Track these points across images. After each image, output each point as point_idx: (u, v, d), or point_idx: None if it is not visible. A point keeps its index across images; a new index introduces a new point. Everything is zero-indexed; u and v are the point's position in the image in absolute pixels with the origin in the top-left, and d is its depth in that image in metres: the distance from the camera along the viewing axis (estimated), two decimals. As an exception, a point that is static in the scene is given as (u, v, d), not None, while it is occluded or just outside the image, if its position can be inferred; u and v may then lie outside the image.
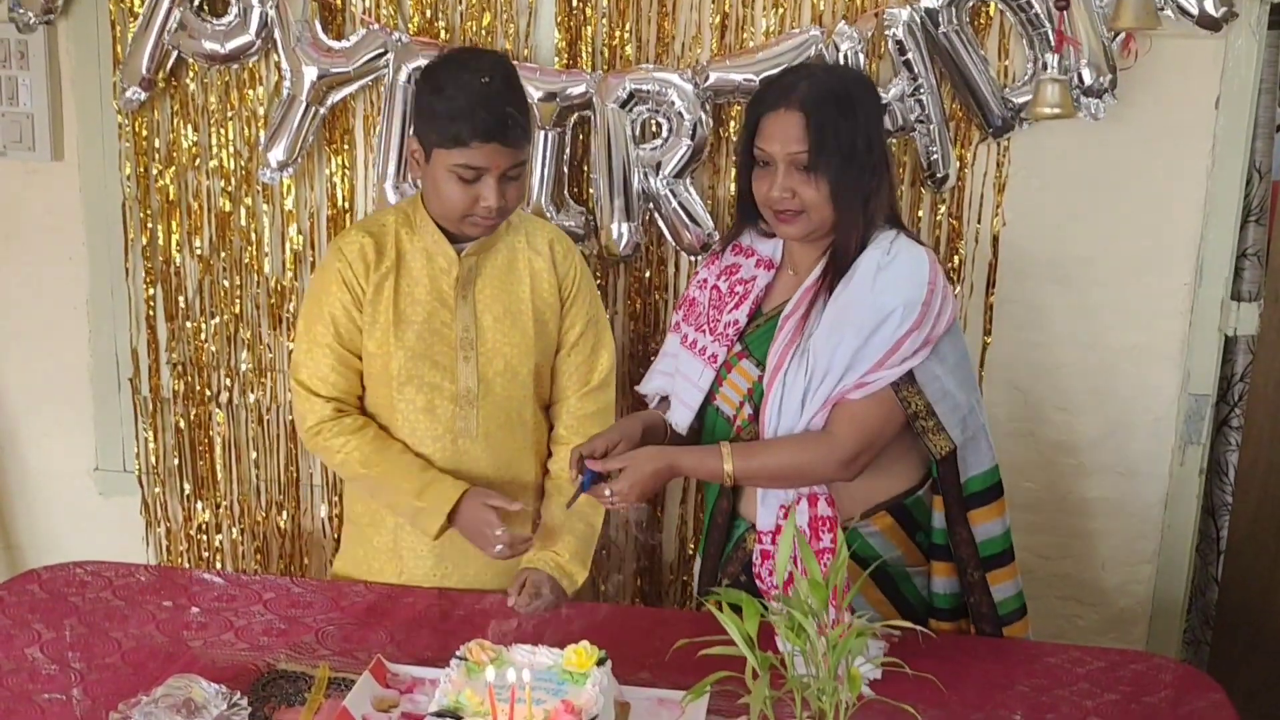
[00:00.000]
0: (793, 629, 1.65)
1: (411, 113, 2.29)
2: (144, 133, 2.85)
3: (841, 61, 2.52)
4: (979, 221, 2.71)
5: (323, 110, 2.71)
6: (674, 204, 2.66)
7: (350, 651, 2.05)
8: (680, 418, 2.25)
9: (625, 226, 2.65)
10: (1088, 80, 2.49)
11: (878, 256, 2.06)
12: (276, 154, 2.70)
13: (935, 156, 2.57)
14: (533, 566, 2.25)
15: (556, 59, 2.70)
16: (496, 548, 2.17)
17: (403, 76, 2.62)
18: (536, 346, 2.33)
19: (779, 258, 2.20)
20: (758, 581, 2.17)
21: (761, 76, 2.48)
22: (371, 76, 2.69)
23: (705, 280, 2.27)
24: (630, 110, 2.61)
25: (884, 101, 2.48)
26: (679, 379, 2.27)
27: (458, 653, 1.86)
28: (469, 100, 2.10)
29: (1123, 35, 2.51)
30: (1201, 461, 2.81)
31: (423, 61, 2.61)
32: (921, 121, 2.54)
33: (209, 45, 2.68)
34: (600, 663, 1.83)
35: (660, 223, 2.71)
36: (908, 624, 1.73)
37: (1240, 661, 2.81)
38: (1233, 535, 2.85)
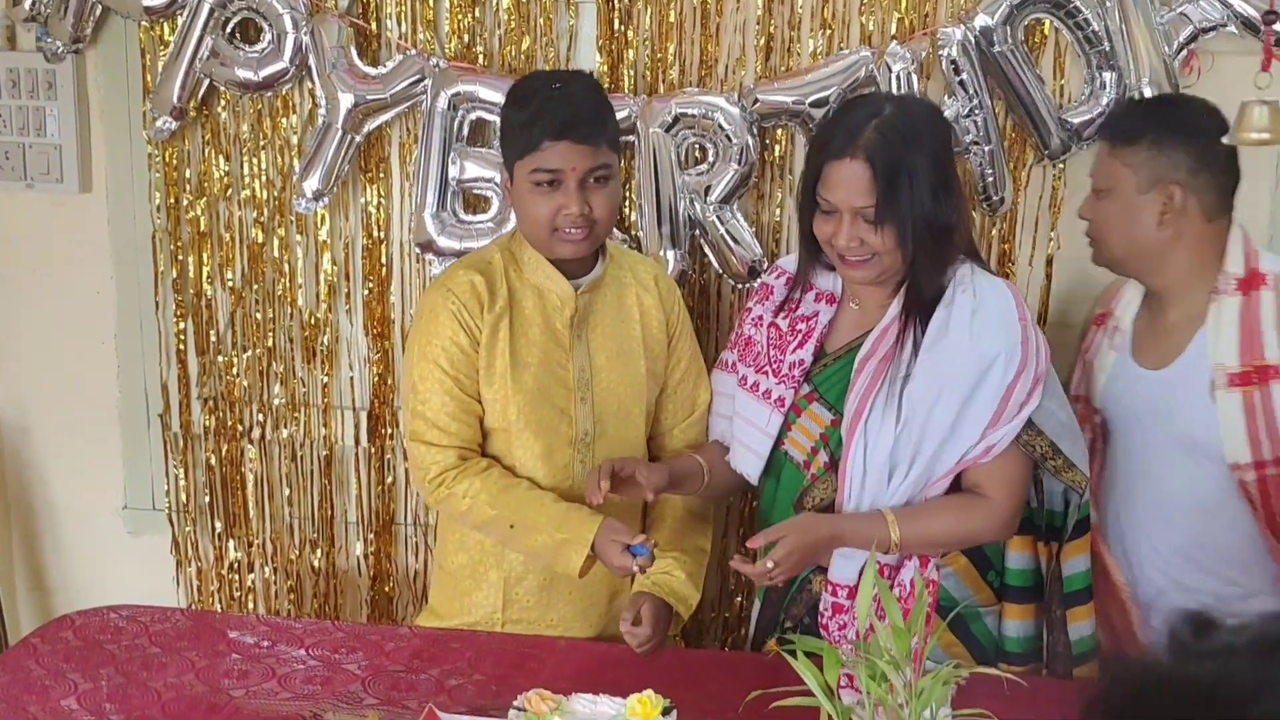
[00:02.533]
0: (873, 677, 1.58)
1: (499, 135, 2.23)
2: (174, 163, 2.79)
3: (895, 84, 2.44)
4: (1033, 246, 2.63)
5: (359, 138, 2.65)
6: (721, 230, 2.59)
7: (399, 701, 1.98)
8: (749, 467, 2.16)
9: (672, 254, 2.58)
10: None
11: (970, 301, 1.98)
12: (312, 183, 2.64)
13: (991, 179, 2.50)
14: (646, 592, 2.14)
15: (598, 84, 2.63)
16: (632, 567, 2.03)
17: (441, 103, 2.56)
18: (648, 385, 2.25)
19: (839, 291, 2.12)
20: (823, 632, 2.08)
21: (821, 113, 2.42)
22: (409, 103, 2.62)
23: (761, 318, 2.18)
24: (675, 135, 2.55)
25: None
26: (739, 423, 2.18)
27: (515, 703, 1.79)
28: (539, 104, 2.05)
29: (1185, 53, 2.43)
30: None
31: (461, 88, 2.56)
32: (976, 143, 2.47)
33: (242, 73, 2.62)
34: (666, 712, 1.76)
35: (706, 249, 2.64)
36: (997, 671, 1.65)
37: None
38: None
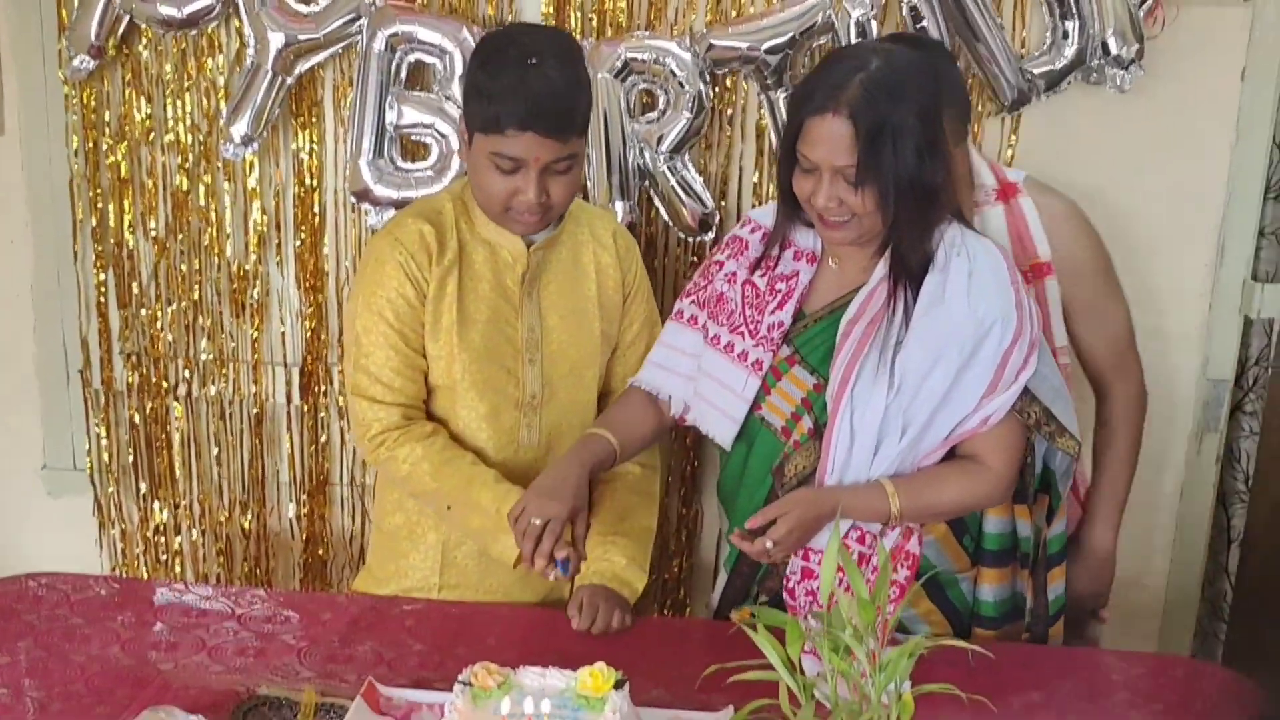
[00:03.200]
0: (836, 650, 1.52)
1: (463, 87, 2.08)
2: (93, 104, 2.64)
3: (853, 30, 2.36)
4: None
5: (290, 80, 2.51)
6: (672, 181, 2.51)
7: (337, 674, 1.89)
8: (722, 431, 2.06)
9: (620, 205, 2.49)
10: (1114, 50, 2.37)
11: (965, 264, 1.90)
12: (240, 128, 2.51)
13: (950, 129, 2.42)
14: (587, 583, 2.06)
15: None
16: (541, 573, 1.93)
17: (378, 44, 2.44)
18: (602, 347, 2.17)
19: (820, 249, 2.02)
20: (788, 598, 2.02)
21: (776, 60, 2.34)
22: (343, 44, 2.49)
23: (735, 274, 2.08)
24: (624, 81, 2.45)
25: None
26: (709, 383, 2.08)
27: (461, 677, 1.71)
28: (509, 82, 1.91)
29: (1150, 3, 2.38)
30: (1218, 449, 2.72)
31: (399, 28, 2.43)
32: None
33: (164, 9, 2.47)
34: (618, 685, 1.69)
35: (657, 201, 2.55)
36: (961, 643, 1.60)
37: (1260, 657, 2.72)
38: (1251, 527, 2.76)
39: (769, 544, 1.86)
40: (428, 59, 2.47)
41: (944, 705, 1.55)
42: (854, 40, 2.36)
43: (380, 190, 2.51)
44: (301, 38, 2.46)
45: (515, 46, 1.94)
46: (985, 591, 2.05)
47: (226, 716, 1.73)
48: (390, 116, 2.48)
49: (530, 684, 1.71)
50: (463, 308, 2.08)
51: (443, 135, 2.49)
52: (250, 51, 2.48)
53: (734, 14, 2.48)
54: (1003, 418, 1.92)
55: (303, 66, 2.51)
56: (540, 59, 1.92)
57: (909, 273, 1.91)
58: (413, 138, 2.53)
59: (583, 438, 2.06)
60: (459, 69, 2.43)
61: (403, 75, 2.49)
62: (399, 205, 2.47)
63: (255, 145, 2.55)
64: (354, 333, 2.11)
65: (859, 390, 1.91)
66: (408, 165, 2.54)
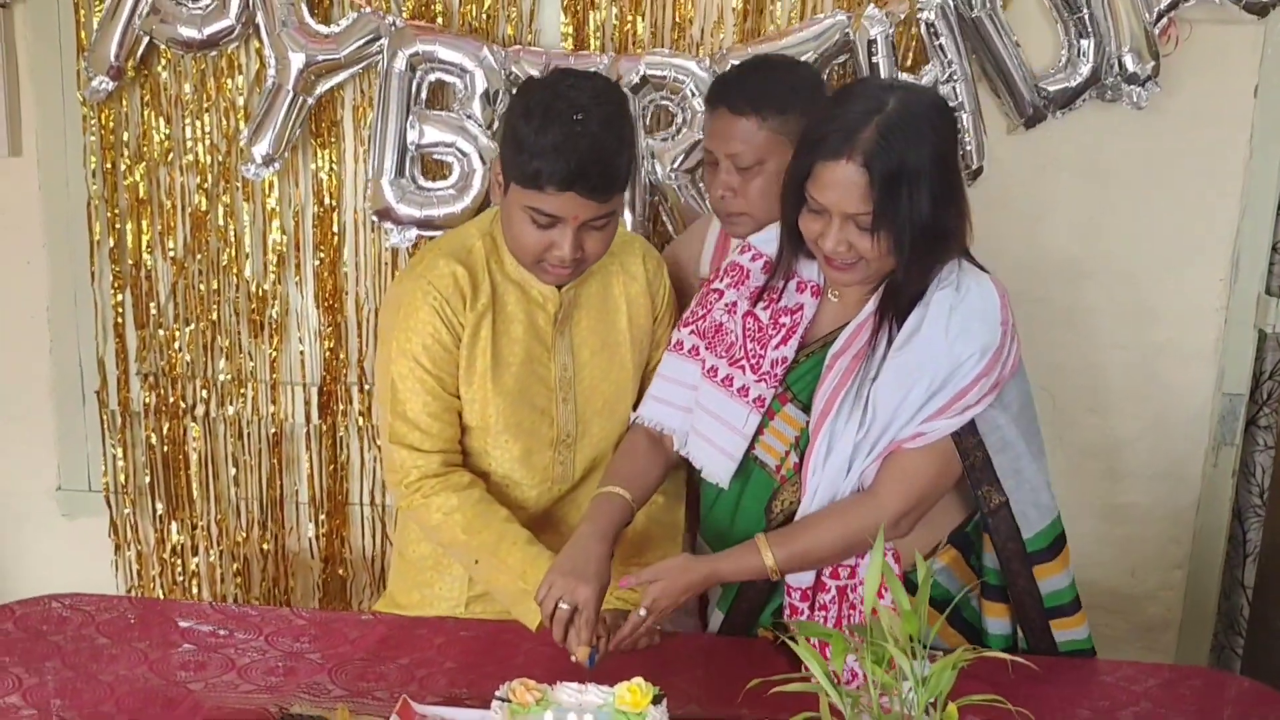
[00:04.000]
0: (877, 662, 1.52)
1: (500, 129, 2.05)
2: (110, 125, 2.64)
3: (872, 49, 2.37)
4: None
5: (310, 100, 2.52)
6: (683, 198, 2.52)
7: (368, 691, 1.88)
8: (719, 469, 2.00)
9: (629, 218, 2.49)
10: (1130, 68, 2.40)
11: (948, 298, 1.85)
12: (261, 148, 2.51)
13: (968, 147, 2.45)
14: (611, 608, 2.00)
15: (563, 45, 2.54)
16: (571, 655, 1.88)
17: (399, 64, 2.45)
18: (634, 378, 2.13)
19: (823, 281, 1.98)
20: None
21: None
22: (363, 64, 2.50)
23: (735, 304, 2.02)
24: (642, 96, 2.46)
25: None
26: (705, 418, 2.02)
27: (499, 693, 1.70)
28: (553, 139, 1.84)
29: (1164, 21, 2.40)
30: (1234, 463, 2.73)
31: (420, 48, 2.44)
32: (955, 110, 2.40)
33: (185, 31, 2.48)
34: (657, 700, 1.69)
35: (664, 217, 2.56)
36: (1005, 655, 1.60)
37: (1277, 671, 2.72)
38: (1267, 540, 2.76)
39: (641, 611, 1.85)
40: (448, 78, 2.48)
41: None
42: (872, 61, 2.38)
43: (402, 209, 2.51)
44: (321, 58, 2.48)
45: (561, 100, 1.87)
46: (991, 624, 2.03)
47: (260, 735, 1.73)
48: (412, 136, 2.49)
49: (568, 700, 1.70)
50: (497, 352, 2.04)
51: (464, 154, 2.50)
52: (271, 72, 2.49)
53: (756, 34, 2.49)
54: (932, 442, 1.87)
55: (323, 87, 2.53)
56: (586, 115, 1.86)
57: (897, 307, 1.87)
58: (434, 156, 2.54)
59: (597, 500, 2.00)
60: (480, 87, 2.44)
61: (423, 95, 2.50)
62: (421, 224, 2.48)
63: (277, 165, 2.55)
64: (388, 379, 2.05)
65: (837, 424, 1.88)
66: (429, 184, 2.54)
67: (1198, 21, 2.45)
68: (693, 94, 2.44)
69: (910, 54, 2.46)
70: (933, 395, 1.84)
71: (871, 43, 2.39)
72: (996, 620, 2.03)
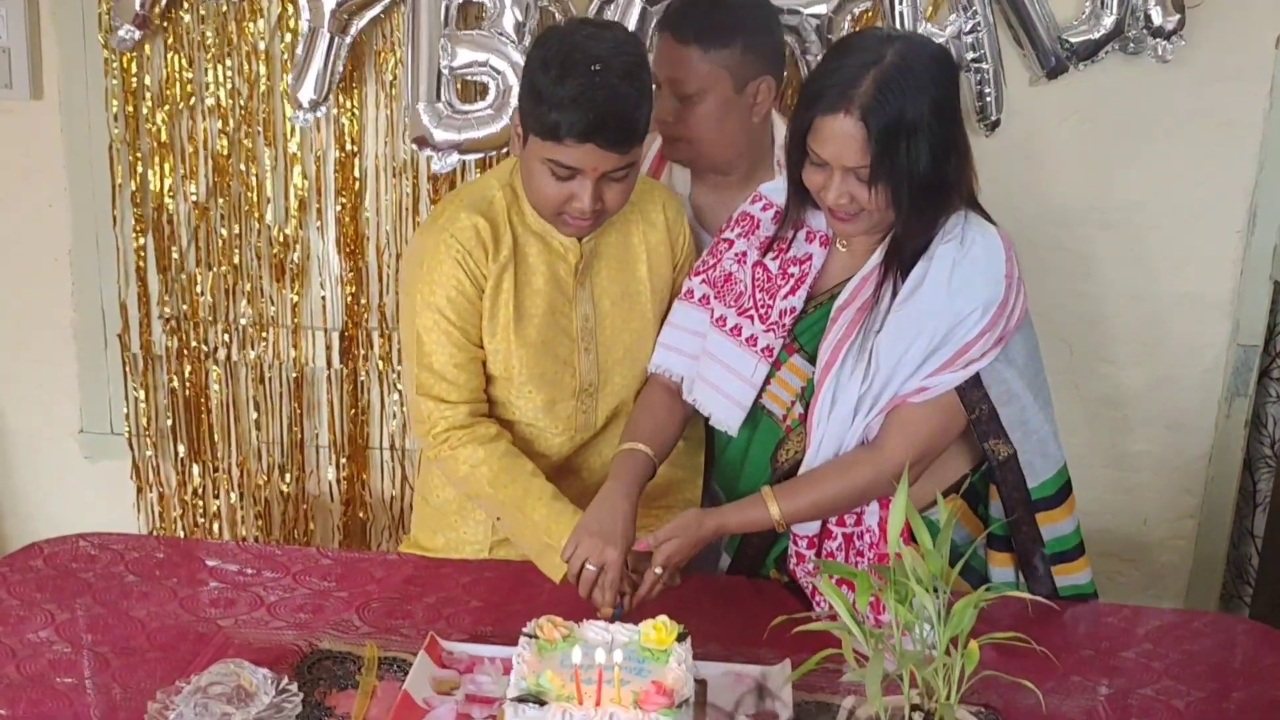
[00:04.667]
0: (901, 601, 1.55)
1: (520, 81, 2.02)
2: (133, 70, 2.64)
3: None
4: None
5: (348, 40, 2.51)
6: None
7: (395, 628, 1.91)
8: (729, 417, 2.02)
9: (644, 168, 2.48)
10: (1156, 20, 2.41)
11: (952, 251, 1.85)
12: (306, 92, 2.51)
13: (989, 98, 2.45)
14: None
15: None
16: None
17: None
18: (655, 327, 2.14)
19: (831, 231, 1.98)
20: (791, 577, 2.05)
21: (817, 23, 2.32)
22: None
23: (744, 254, 2.03)
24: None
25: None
26: (714, 366, 2.03)
27: (526, 629, 1.72)
28: (572, 90, 1.83)
29: (1190, -28, 2.40)
30: (1247, 414, 2.75)
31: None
32: (977, 61, 2.41)
33: (212, -27, 2.49)
34: (681, 638, 1.71)
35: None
36: (1025, 594, 1.63)
37: (1285, 618, 2.76)
38: (1277, 490, 2.78)
39: (657, 569, 1.88)
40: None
41: (998, 658, 1.57)
42: (899, 10, 2.37)
43: (441, 135, 2.49)
44: (352, -2, 2.47)
45: (579, 51, 1.85)
46: (995, 573, 2.05)
47: (291, 670, 1.75)
48: (444, 59, 2.46)
49: (594, 637, 1.72)
50: (519, 304, 2.05)
51: (498, 72, 2.48)
52: (305, 17, 2.48)
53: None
54: (935, 396, 1.88)
55: (358, 24, 2.51)
56: (605, 66, 1.84)
57: (901, 260, 1.88)
58: (470, 78, 2.52)
59: (620, 457, 2.02)
60: (509, 4, 2.44)
61: (452, 15, 2.48)
62: (461, 148, 2.47)
63: (324, 109, 2.55)
64: (413, 331, 2.06)
65: (842, 375, 1.89)
66: (466, 107, 2.52)
67: (1224, -34, 2.45)
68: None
69: (933, 3, 2.46)
70: (934, 351, 1.86)
71: (895, -10, 2.38)
72: (1000, 569, 2.06)
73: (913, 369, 1.87)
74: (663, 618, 1.73)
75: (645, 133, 1.93)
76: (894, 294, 1.87)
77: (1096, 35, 2.45)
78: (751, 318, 2.00)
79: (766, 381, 2.00)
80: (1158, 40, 2.42)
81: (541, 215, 2.01)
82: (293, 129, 2.64)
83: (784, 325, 1.97)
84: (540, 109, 1.86)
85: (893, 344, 1.86)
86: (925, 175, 1.79)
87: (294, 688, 1.69)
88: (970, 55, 2.41)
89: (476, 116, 2.51)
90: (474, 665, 1.77)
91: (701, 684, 1.72)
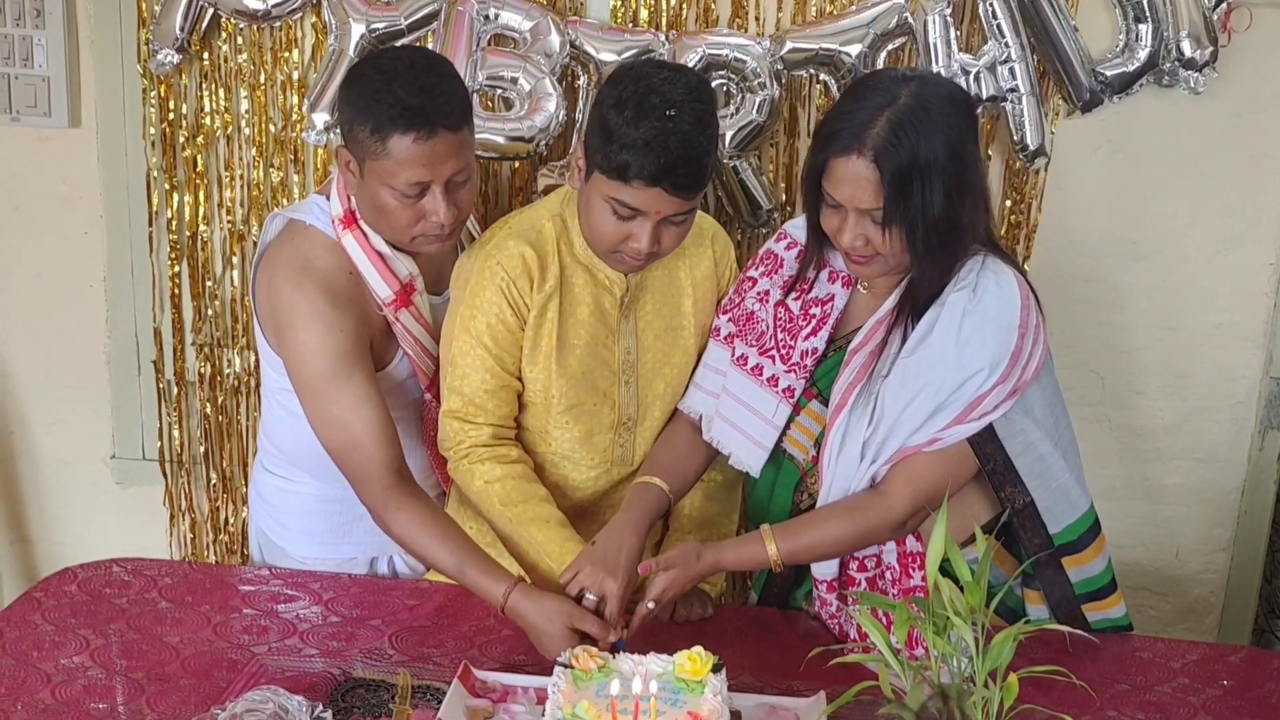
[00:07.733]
0: (938, 633, 1.54)
1: (587, 115, 2.03)
2: (169, 97, 2.66)
3: (931, 29, 2.37)
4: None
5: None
6: (740, 177, 2.52)
7: (428, 657, 1.92)
8: (750, 458, 2.01)
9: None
10: (1188, 53, 2.39)
11: (963, 300, 1.83)
12: (322, 114, 2.52)
13: (1026, 129, 2.44)
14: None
15: (612, 20, 2.54)
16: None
17: (469, 9, 2.44)
18: (697, 364, 2.14)
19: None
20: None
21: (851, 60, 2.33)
22: (425, 29, 2.50)
23: (767, 293, 2.02)
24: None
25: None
26: (734, 405, 2.02)
27: (561, 659, 1.73)
28: (645, 133, 1.83)
29: (1224, 7, 2.39)
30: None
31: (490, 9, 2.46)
32: (1014, 90, 2.41)
33: (249, 1, 2.50)
34: (716, 669, 1.71)
35: (721, 194, 2.57)
36: (1064, 627, 1.62)
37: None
38: (1310, 525, 2.77)
39: (649, 604, 1.87)
40: (508, 33, 2.49)
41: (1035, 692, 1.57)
42: (933, 42, 2.38)
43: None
44: (382, 25, 2.48)
45: (655, 94, 1.85)
46: (1030, 610, 2.03)
47: (325, 698, 1.76)
48: (474, 75, 2.46)
49: (628, 668, 1.73)
50: (562, 334, 2.05)
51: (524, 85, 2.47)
52: (333, 40, 2.50)
53: (814, 14, 2.49)
54: (945, 446, 1.86)
55: (384, 51, 2.53)
56: (679, 112, 1.84)
57: (915, 304, 1.86)
58: (497, 92, 2.51)
59: (635, 490, 2.03)
60: (544, 35, 2.45)
61: (483, 44, 2.48)
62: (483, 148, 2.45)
63: (336, 132, 2.57)
64: (450, 353, 2.07)
65: (851, 418, 1.88)
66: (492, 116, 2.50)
67: (1258, 6, 2.43)
68: (754, 75, 2.44)
69: (967, 36, 2.46)
70: (943, 405, 1.84)
71: (930, 22, 2.38)
72: (1035, 608, 2.04)
73: (920, 421, 1.85)
74: (698, 648, 1.74)
75: (710, 179, 1.94)
76: (904, 339, 1.86)
77: (1131, 68, 2.44)
78: (773, 358, 1.99)
79: (787, 425, 1.99)
80: (1190, 72, 2.42)
81: (595, 251, 2.01)
82: (327, 158, 2.65)
83: (805, 366, 1.96)
84: (610, 147, 1.86)
85: (898, 392, 1.85)
86: (940, 218, 1.78)
87: (329, 715, 1.70)
88: (1006, 85, 2.41)
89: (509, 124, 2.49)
90: (508, 695, 1.78)
91: (736, 715, 1.73)
